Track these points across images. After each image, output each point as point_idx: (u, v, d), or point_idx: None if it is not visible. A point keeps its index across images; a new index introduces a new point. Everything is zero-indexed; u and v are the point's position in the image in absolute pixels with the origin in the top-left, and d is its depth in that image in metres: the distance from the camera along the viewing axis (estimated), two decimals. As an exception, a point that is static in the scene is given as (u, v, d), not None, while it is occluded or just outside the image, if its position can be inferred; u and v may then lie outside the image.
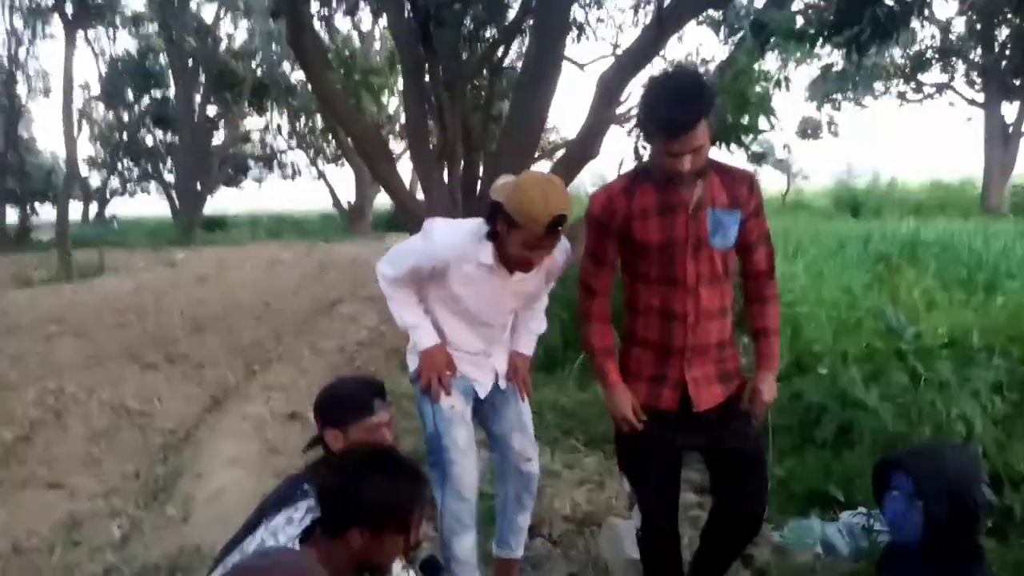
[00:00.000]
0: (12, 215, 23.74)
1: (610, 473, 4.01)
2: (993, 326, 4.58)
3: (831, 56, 10.64)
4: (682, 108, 1.94)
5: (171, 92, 25.58)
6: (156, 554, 3.28)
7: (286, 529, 1.78)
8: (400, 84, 9.21)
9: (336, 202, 27.13)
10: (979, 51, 20.45)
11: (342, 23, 21.84)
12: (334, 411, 2.10)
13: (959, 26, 21.19)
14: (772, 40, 4.51)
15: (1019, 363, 3.96)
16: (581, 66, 12.00)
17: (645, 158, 2.21)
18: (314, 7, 9.20)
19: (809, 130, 18.99)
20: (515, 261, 2.26)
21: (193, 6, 23.71)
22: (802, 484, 3.42)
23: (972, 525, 1.75)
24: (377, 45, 23.99)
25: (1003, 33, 19.64)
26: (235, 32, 25.96)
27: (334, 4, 9.98)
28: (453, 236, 2.34)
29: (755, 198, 2.17)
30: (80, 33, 20.73)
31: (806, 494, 3.38)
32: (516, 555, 2.71)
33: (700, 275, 2.12)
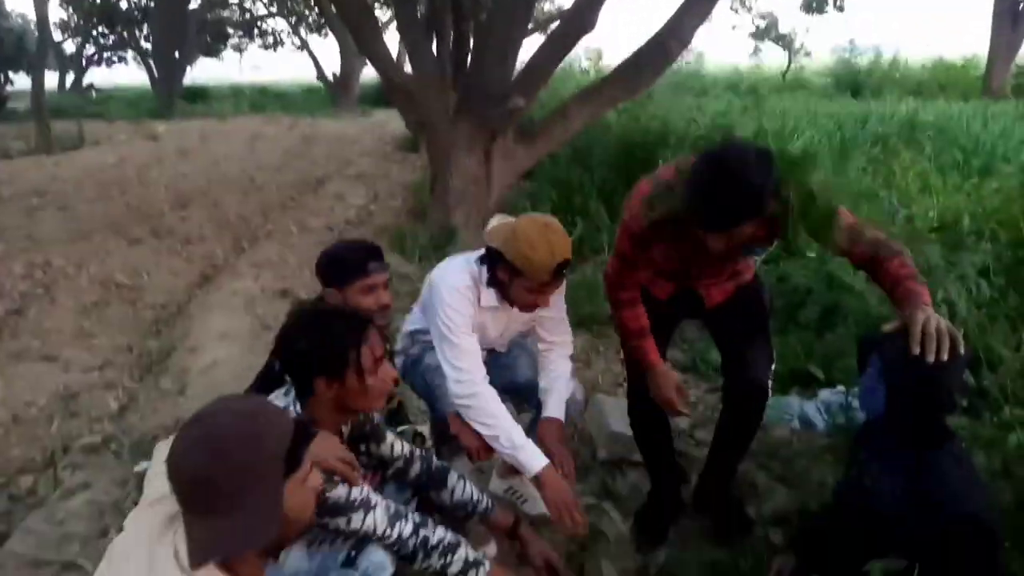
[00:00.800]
0: (-16, 83, 22.77)
1: (596, 352, 4.10)
2: (985, 210, 4.57)
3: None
4: (730, 217, 1.79)
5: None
6: (153, 424, 3.37)
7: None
8: (386, -55, 8.65)
9: (320, 74, 26.08)
10: (996, -81, 19.31)
11: None
12: (333, 271, 2.20)
13: None
14: None
15: (1007, 247, 3.98)
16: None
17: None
18: None
19: (814, 4, 18.13)
20: (520, 305, 2.27)
21: None
22: (785, 364, 3.49)
23: (937, 410, 1.77)
24: (361, -99, 22.45)
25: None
26: None
27: None
28: (461, 278, 2.28)
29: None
30: None
31: (788, 373, 3.47)
32: None
33: (718, 272, 2.26)
